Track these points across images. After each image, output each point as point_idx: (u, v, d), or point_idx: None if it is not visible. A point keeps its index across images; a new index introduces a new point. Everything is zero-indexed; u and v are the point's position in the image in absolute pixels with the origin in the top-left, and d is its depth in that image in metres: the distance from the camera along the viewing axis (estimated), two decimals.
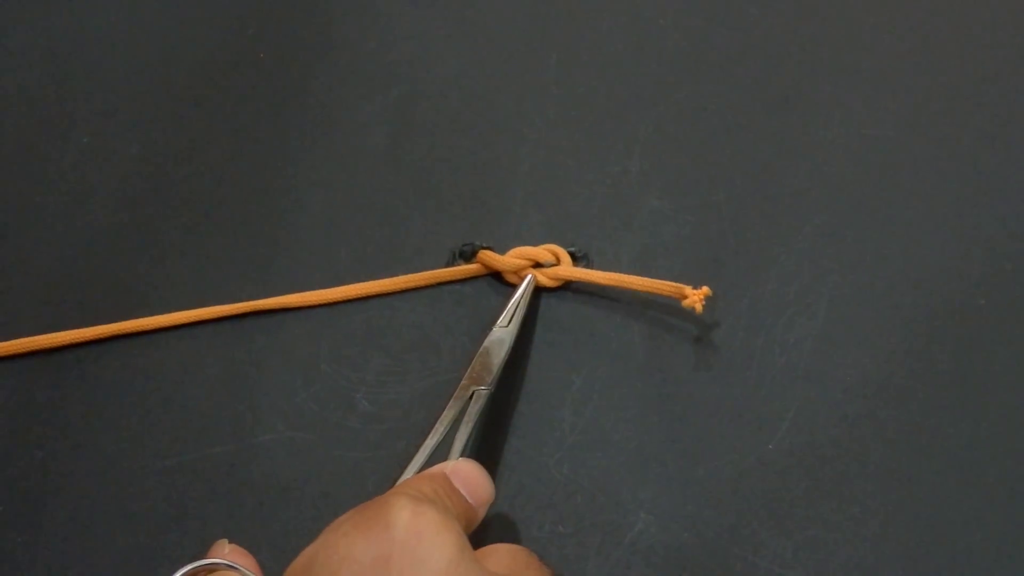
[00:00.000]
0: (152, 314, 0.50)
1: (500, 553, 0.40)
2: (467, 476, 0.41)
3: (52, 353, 0.50)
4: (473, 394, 0.45)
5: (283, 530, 0.46)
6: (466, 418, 0.44)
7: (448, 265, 0.50)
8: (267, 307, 0.50)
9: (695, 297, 0.47)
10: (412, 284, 0.51)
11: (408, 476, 0.43)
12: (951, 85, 0.55)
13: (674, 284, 0.48)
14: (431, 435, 0.44)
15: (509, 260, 0.50)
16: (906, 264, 0.50)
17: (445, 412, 0.45)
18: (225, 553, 0.38)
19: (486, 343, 0.47)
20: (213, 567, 0.38)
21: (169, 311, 0.50)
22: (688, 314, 0.49)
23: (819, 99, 0.55)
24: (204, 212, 0.54)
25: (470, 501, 0.41)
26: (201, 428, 0.48)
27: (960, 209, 0.51)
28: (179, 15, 0.60)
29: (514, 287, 0.49)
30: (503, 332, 0.47)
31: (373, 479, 0.46)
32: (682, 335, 0.49)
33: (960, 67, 0.55)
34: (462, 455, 0.43)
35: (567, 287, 0.50)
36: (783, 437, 0.46)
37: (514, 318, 0.48)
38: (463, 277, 0.51)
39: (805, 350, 0.48)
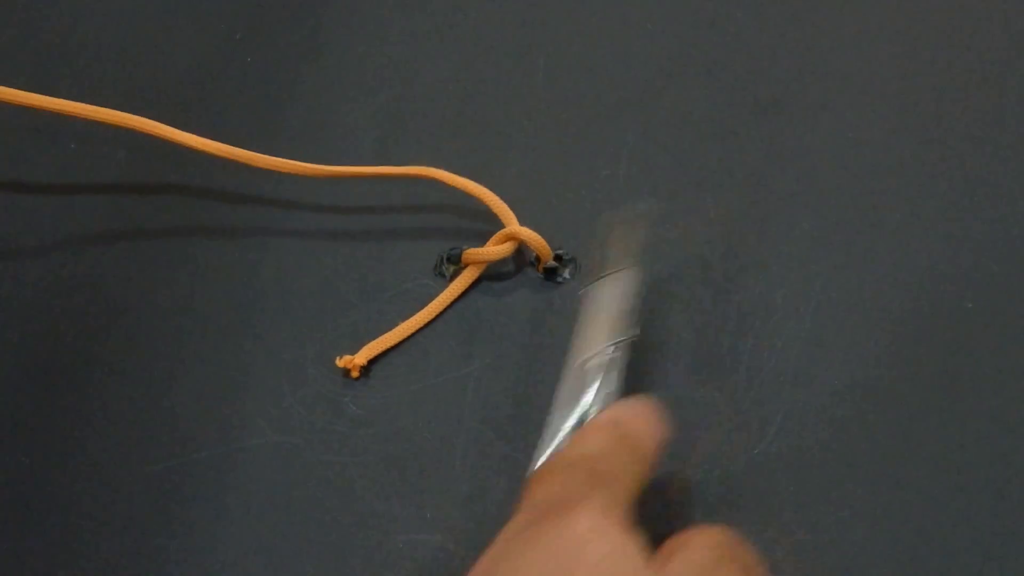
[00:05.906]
0: (139, 321, 0.50)
1: (691, 548, 0.36)
2: (634, 415, 0.39)
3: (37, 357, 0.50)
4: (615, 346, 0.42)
5: (270, 535, 0.45)
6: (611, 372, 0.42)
7: (436, 269, 0.50)
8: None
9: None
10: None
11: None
12: (939, 88, 0.55)
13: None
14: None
15: (492, 249, 0.50)
16: (894, 267, 0.50)
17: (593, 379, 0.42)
18: None
19: (593, 300, 0.44)
20: None
21: (156, 316, 0.50)
22: (676, 318, 0.49)
23: (807, 103, 0.55)
24: (192, 217, 0.54)
25: (644, 447, 0.39)
26: (187, 433, 0.48)
27: (948, 212, 0.51)
28: (167, 20, 0.60)
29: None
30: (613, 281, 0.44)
31: (360, 483, 0.46)
32: (670, 339, 0.49)
33: (947, 70, 0.55)
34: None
35: (556, 289, 0.50)
36: (771, 441, 0.46)
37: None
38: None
39: (793, 353, 0.48)
